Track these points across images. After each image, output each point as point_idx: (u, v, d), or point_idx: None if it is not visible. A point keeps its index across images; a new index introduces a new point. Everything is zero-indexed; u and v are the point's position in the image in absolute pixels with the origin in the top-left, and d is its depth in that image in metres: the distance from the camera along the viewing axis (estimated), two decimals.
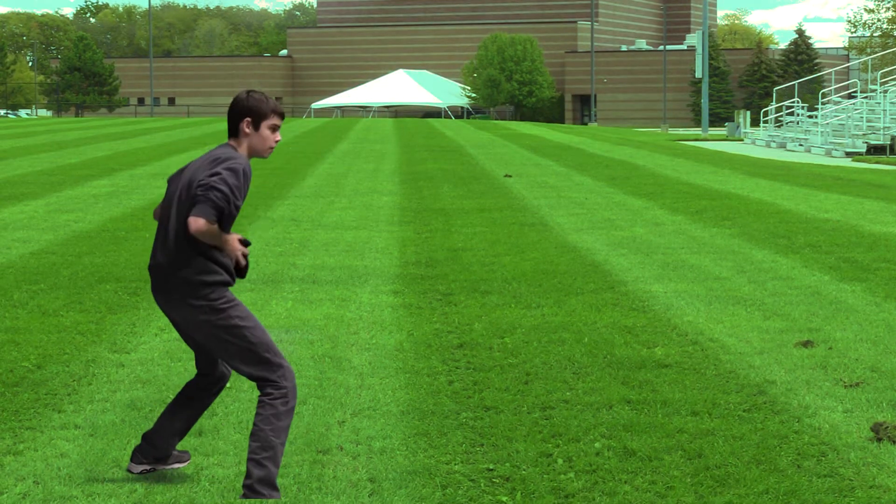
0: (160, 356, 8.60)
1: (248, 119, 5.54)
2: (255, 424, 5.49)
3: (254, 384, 7.79)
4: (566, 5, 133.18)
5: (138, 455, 5.89)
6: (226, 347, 5.53)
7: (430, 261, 13.57)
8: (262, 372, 5.54)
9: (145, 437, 5.89)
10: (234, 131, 5.57)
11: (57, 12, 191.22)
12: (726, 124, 69.75)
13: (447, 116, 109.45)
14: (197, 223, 5.31)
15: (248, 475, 5.48)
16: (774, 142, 48.95)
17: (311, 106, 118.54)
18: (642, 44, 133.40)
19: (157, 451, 5.86)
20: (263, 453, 5.46)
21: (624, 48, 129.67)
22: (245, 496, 5.48)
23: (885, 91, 45.05)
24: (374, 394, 7.56)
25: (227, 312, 5.49)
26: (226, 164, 5.43)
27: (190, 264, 5.46)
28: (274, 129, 5.57)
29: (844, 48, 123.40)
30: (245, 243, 5.58)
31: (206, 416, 7.01)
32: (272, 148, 5.62)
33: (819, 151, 43.19)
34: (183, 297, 5.49)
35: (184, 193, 5.50)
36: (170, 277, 5.51)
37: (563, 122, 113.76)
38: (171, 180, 5.65)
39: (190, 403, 5.86)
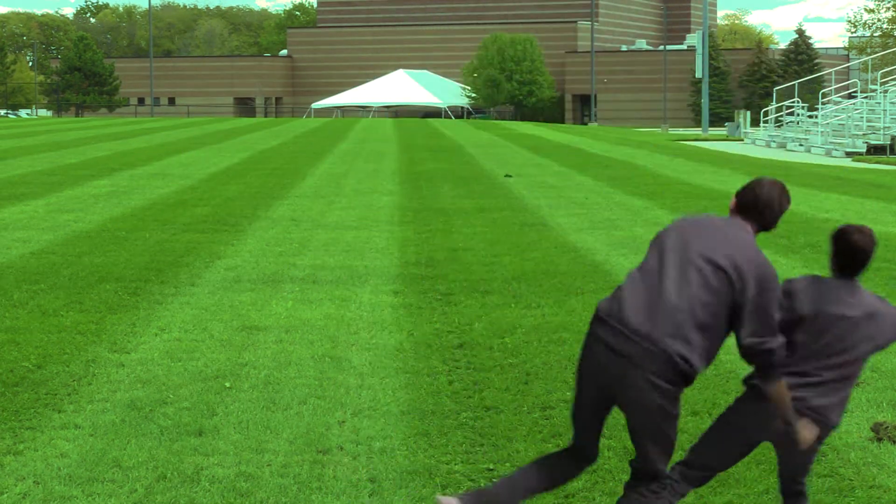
0: (160, 356, 8.60)
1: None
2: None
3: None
4: (566, 5, 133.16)
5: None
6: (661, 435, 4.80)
7: (430, 261, 13.57)
8: (663, 467, 4.87)
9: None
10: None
11: (57, 12, 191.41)
12: (726, 124, 69.74)
13: (447, 116, 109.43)
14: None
15: None
16: (774, 142, 48.95)
17: (311, 106, 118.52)
18: (642, 44, 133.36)
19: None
20: None
21: (624, 48, 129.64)
22: None
23: (885, 91, 45.05)
24: (374, 394, 7.56)
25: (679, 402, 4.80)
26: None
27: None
28: None
29: (844, 48, 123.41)
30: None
31: (205, 416, 7.01)
32: None
33: (819, 151, 43.18)
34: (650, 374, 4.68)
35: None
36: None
37: (563, 122, 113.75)
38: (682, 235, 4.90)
39: (552, 472, 5.00)
